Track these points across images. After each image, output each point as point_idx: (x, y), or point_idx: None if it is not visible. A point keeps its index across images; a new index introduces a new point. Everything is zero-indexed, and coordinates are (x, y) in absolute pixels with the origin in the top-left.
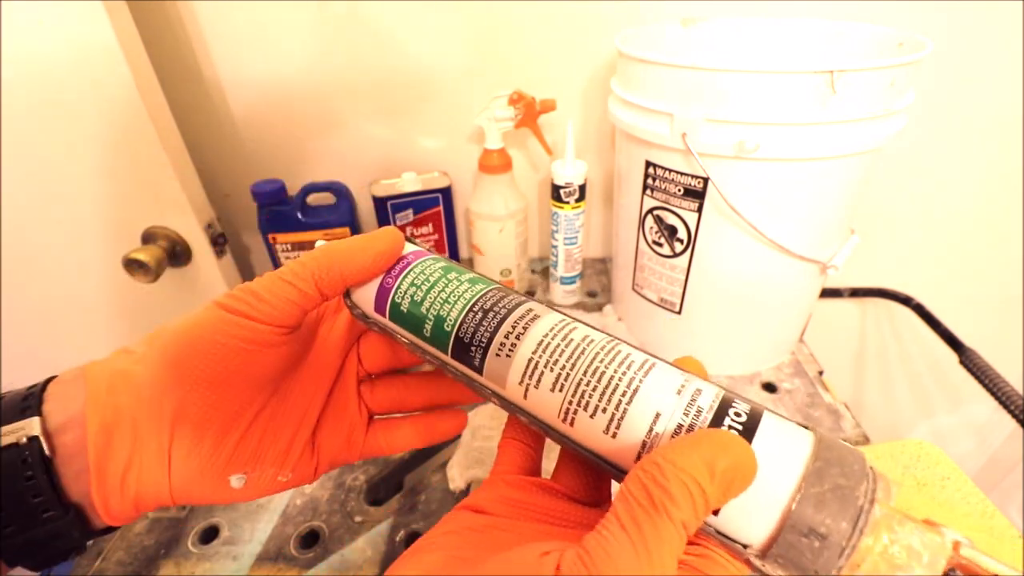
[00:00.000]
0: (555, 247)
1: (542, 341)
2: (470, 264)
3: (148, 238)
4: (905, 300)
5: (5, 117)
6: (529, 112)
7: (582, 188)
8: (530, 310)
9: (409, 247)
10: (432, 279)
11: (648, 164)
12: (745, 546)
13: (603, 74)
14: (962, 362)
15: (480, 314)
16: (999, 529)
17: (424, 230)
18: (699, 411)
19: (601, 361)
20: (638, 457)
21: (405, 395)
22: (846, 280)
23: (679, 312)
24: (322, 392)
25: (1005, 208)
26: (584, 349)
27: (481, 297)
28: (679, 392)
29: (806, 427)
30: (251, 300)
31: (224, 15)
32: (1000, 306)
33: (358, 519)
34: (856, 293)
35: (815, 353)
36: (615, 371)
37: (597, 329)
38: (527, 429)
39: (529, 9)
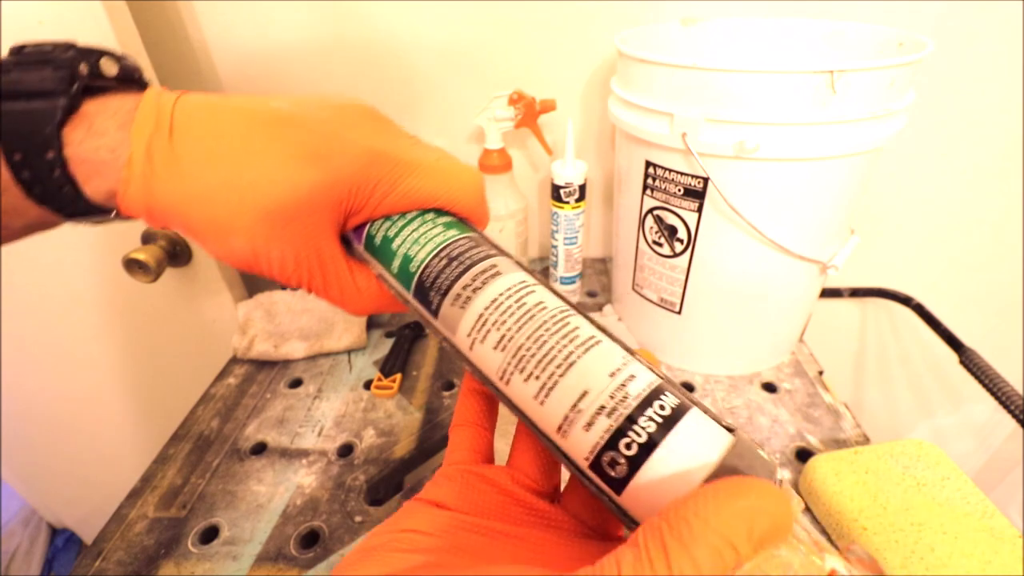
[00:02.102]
0: (555, 247)
1: (496, 299)
2: None
3: (148, 238)
4: (905, 300)
5: None
6: (529, 112)
7: (582, 188)
8: (493, 265)
9: None
10: (408, 217)
11: (648, 164)
12: (616, 506)
13: (603, 74)
14: (962, 362)
15: (445, 261)
16: (999, 529)
17: None
18: (625, 397)
19: (547, 330)
20: (559, 428)
21: None
22: (846, 280)
23: (679, 312)
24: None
25: (1005, 208)
26: (534, 315)
27: (450, 244)
28: (612, 375)
29: (731, 430)
30: None
31: (224, 20)
32: (1000, 306)
33: (358, 519)
34: (856, 293)
35: (815, 353)
36: (556, 342)
37: (559, 296)
38: (480, 410)
39: (529, 9)
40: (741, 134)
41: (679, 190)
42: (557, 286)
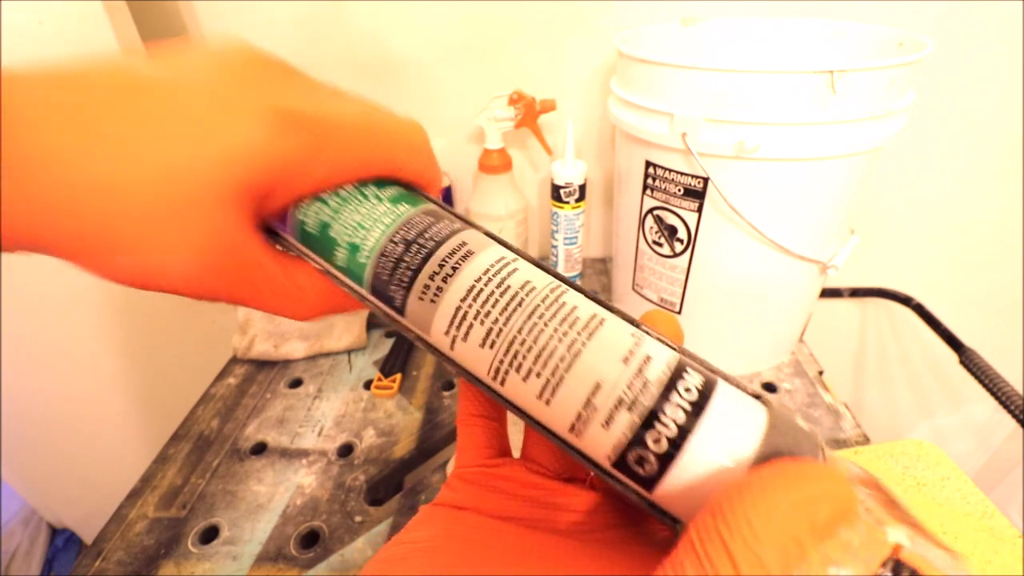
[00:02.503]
0: (555, 247)
1: (473, 287)
2: None
3: None
4: (905, 300)
5: None
6: (529, 112)
7: (582, 188)
8: (463, 244)
9: None
10: (343, 194)
11: (648, 164)
12: (676, 522)
13: (603, 74)
14: (962, 362)
15: (402, 245)
16: (999, 529)
17: None
18: (645, 384)
19: (540, 317)
20: (571, 428)
21: None
22: (846, 280)
23: (679, 312)
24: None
25: (1005, 208)
26: (522, 299)
27: (405, 223)
28: (626, 360)
29: (759, 397)
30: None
31: (224, 17)
32: (1000, 306)
33: (358, 519)
34: (856, 293)
35: (815, 353)
36: (554, 330)
37: (544, 268)
38: (486, 400)
39: (529, 9)
40: (741, 134)
41: (679, 190)
42: None
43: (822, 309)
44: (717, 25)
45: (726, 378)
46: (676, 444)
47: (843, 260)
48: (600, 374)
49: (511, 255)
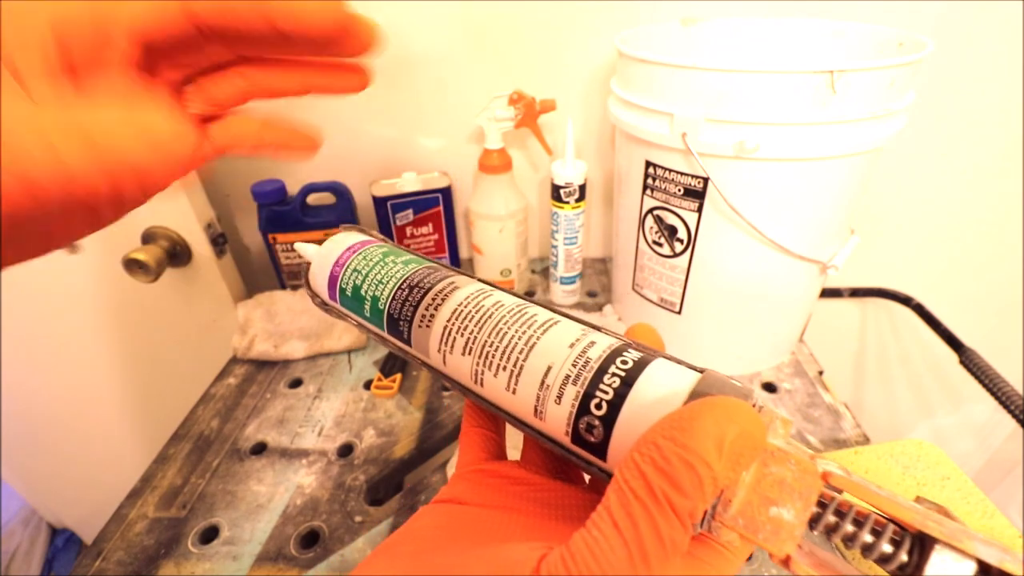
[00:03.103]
0: (555, 247)
1: (456, 309)
2: (470, 264)
3: (148, 238)
4: (905, 300)
5: None
6: (529, 112)
7: (582, 188)
8: (452, 283)
9: (358, 237)
10: (371, 263)
11: (648, 164)
12: (610, 475)
13: (603, 74)
14: (962, 362)
15: (407, 290)
16: (999, 529)
17: (424, 230)
18: (587, 362)
19: (505, 323)
20: (536, 412)
21: (255, 87)
22: (846, 280)
23: (679, 312)
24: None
25: (1005, 208)
26: (492, 314)
27: (410, 276)
28: (572, 345)
29: (701, 371)
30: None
31: None
32: (1000, 306)
33: (358, 519)
34: (856, 293)
35: (815, 353)
36: (516, 331)
37: (517, 295)
38: (484, 414)
39: (529, 9)
40: (741, 134)
41: (679, 190)
42: (556, 286)
43: (822, 309)
44: (717, 25)
45: (675, 360)
46: (614, 405)
47: (843, 260)
48: (551, 358)
49: (490, 288)
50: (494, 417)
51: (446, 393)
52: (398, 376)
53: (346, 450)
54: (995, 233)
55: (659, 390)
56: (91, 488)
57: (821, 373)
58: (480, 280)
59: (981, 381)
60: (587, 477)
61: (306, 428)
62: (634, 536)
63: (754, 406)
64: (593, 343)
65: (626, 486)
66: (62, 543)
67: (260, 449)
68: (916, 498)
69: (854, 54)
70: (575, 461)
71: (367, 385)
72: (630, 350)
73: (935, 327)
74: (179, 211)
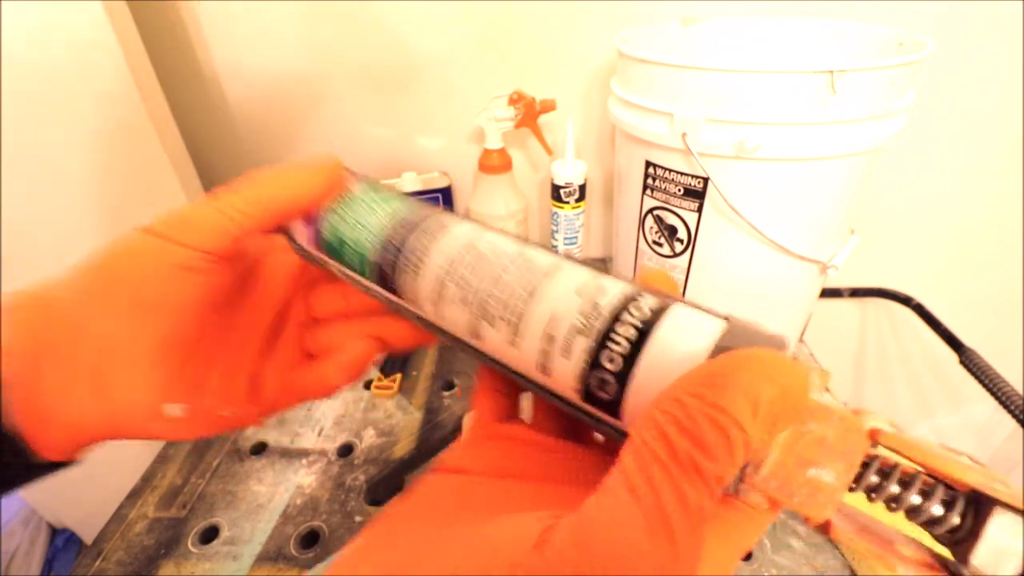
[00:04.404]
0: (555, 247)
1: (448, 253)
2: None
3: None
4: (905, 300)
5: (5, 117)
6: (529, 112)
7: (582, 188)
8: (441, 224)
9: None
10: (352, 206)
11: (648, 164)
12: (624, 435)
13: (603, 74)
14: (962, 362)
15: (393, 234)
16: None
17: None
18: (597, 309)
19: (503, 268)
20: (540, 367)
21: (343, 338)
22: (846, 280)
23: None
24: (261, 327)
25: (1005, 208)
26: (487, 257)
27: (395, 217)
28: (579, 292)
29: (725, 317)
30: (180, 225)
31: (223, 14)
32: (1000, 306)
33: (358, 519)
34: (856, 293)
35: (815, 353)
36: (515, 277)
37: (514, 237)
38: (497, 375)
39: (529, 9)
40: (741, 134)
41: (679, 190)
42: None
43: (822, 309)
44: (717, 25)
45: (690, 304)
46: (629, 359)
47: (843, 260)
48: (555, 306)
49: (484, 228)
50: (508, 379)
51: (446, 393)
52: (398, 376)
53: (346, 450)
54: (995, 233)
55: (679, 341)
56: (91, 488)
57: None
58: (473, 221)
59: (981, 381)
60: (600, 436)
61: (306, 428)
62: (654, 503)
63: (786, 350)
64: (603, 288)
65: (644, 447)
66: (62, 543)
67: (260, 449)
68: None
69: (854, 54)
70: (586, 420)
71: (367, 385)
72: (645, 295)
73: (935, 327)
74: None
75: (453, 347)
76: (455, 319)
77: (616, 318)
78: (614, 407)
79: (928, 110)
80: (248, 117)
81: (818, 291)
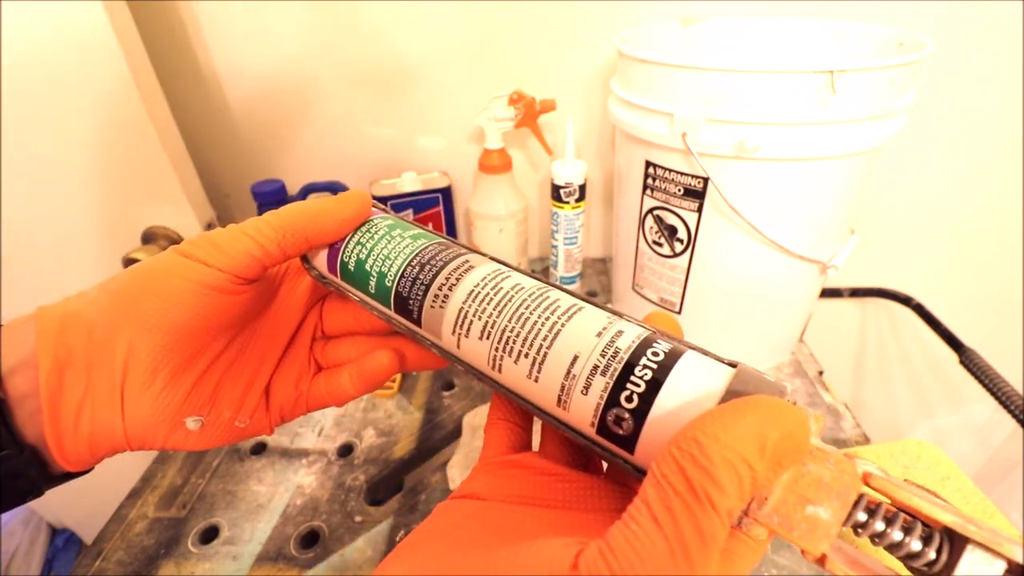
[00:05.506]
0: (555, 247)
1: (473, 291)
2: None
3: (148, 238)
4: (905, 300)
5: (5, 117)
6: (529, 112)
7: (582, 188)
8: (466, 261)
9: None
10: (376, 237)
11: (648, 164)
12: (636, 468)
13: (603, 74)
14: (962, 362)
15: (417, 268)
16: (999, 529)
17: None
18: (616, 352)
19: (527, 308)
20: (559, 402)
21: (354, 353)
22: (846, 280)
23: (679, 312)
24: (280, 344)
25: (1005, 208)
26: (512, 297)
27: (420, 252)
28: (599, 334)
29: (734, 365)
30: (210, 249)
31: (223, 14)
32: (1000, 306)
33: (358, 519)
34: (856, 293)
35: (815, 353)
36: (539, 317)
37: (535, 277)
38: (510, 406)
39: (529, 9)
40: (741, 134)
41: (679, 190)
42: None
43: (822, 309)
44: (717, 25)
45: (703, 351)
46: (646, 399)
47: (843, 260)
48: (577, 347)
49: (507, 268)
50: (521, 410)
51: (446, 393)
52: (398, 376)
53: (346, 450)
54: (995, 233)
55: (693, 385)
56: (91, 488)
57: (821, 373)
58: (494, 259)
59: (981, 381)
60: (604, 466)
61: (306, 428)
62: (675, 531)
63: (786, 397)
64: (621, 332)
65: (664, 480)
66: (62, 543)
67: (260, 449)
68: (904, 480)
69: (854, 54)
70: (599, 452)
71: None
72: (660, 340)
73: (935, 327)
74: (179, 211)
75: (468, 374)
76: (475, 351)
77: (634, 361)
78: (629, 442)
79: (928, 110)
80: (248, 117)
81: (818, 291)
